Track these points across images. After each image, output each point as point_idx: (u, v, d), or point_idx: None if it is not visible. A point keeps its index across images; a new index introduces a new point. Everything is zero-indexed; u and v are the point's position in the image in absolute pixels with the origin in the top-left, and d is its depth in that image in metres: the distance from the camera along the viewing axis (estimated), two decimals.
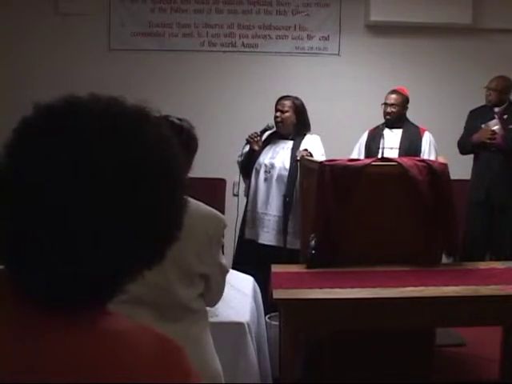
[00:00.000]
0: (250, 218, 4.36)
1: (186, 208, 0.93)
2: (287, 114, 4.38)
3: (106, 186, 0.81)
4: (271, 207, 4.28)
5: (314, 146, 4.31)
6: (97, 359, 0.82)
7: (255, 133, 4.36)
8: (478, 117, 5.09)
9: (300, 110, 4.42)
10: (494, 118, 4.99)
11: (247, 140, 4.35)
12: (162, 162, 0.87)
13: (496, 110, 5.04)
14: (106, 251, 0.82)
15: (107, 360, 0.83)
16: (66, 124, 0.83)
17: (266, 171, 4.32)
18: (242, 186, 4.54)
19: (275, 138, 4.45)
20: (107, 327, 0.86)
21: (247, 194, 4.43)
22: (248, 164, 4.37)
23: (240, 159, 4.42)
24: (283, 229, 4.17)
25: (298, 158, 4.06)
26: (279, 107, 4.40)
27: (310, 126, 4.47)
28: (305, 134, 4.39)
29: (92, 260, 0.82)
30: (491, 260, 4.82)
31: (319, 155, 4.22)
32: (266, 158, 4.35)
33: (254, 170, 4.37)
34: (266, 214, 4.29)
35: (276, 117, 4.38)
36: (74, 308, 0.84)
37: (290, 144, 4.36)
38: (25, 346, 0.81)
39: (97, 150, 0.81)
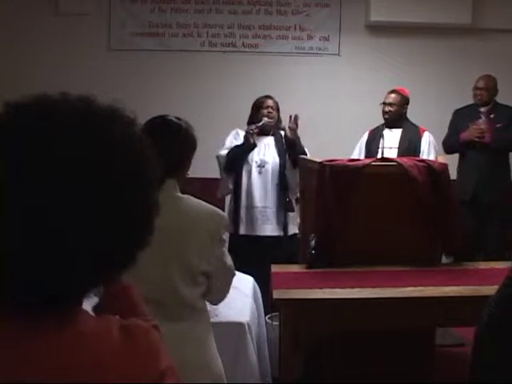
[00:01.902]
0: (246, 214, 4.40)
1: (157, 211, 0.91)
2: (275, 113, 4.51)
3: (70, 186, 0.80)
4: (270, 200, 4.38)
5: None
6: (66, 361, 0.83)
7: (254, 126, 4.39)
8: (463, 116, 5.10)
9: (279, 108, 4.57)
10: (480, 118, 5.00)
11: (248, 133, 4.37)
12: (129, 161, 0.85)
13: (482, 109, 5.05)
14: (67, 254, 0.81)
15: (76, 361, 0.83)
16: (32, 123, 0.82)
17: (259, 166, 4.40)
18: None
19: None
20: (75, 329, 0.86)
21: (236, 191, 4.43)
22: (239, 158, 4.38)
23: (222, 153, 4.41)
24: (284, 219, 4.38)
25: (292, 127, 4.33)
26: (270, 105, 4.50)
27: (281, 122, 4.61)
28: (279, 129, 4.54)
29: (55, 263, 0.81)
30: (482, 260, 4.81)
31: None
32: (253, 153, 4.42)
33: (243, 167, 4.42)
34: (266, 207, 4.38)
35: (270, 113, 4.46)
36: (41, 313, 0.84)
37: (270, 139, 4.48)
38: None
39: (60, 149, 0.80)
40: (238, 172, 4.41)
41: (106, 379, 0.84)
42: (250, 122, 4.53)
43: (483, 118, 5.00)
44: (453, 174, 5.04)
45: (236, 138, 4.50)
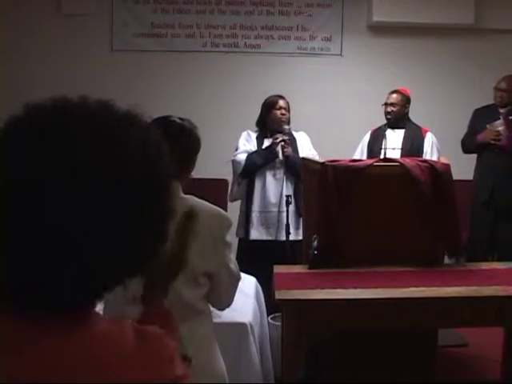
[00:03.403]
0: (258, 219, 4.32)
1: (172, 217, 0.92)
2: (288, 114, 4.41)
3: (86, 188, 0.80)
4: (284, 204, 4.22)
5: (307, 142, 4.45)
6: (79, 363, 0.83)
7: (283, 139, 4.27)
8: (483, 116, 5.01)
9: (290, 108, 4.45)
10: (499, 119, 4.95)
11: (275, 144, 4.26)
12: (144, 165, 0.86)
13: (501, 110, 4.97)
14: (81, 257, 0.81)
15: (89, 362, 0.83)
16: (51, 125, 0.83)
17: (273, 168, 4.30)
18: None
19: (263, 137, 4.43)
20: (87, 331, 0.86)
21: (249, 195, 4.36)
22: (260, 166, 4.29)
23: (239, 158, 4.32)
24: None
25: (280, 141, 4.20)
26: (283, 106, 4.39)
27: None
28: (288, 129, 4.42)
29: (68, 266, 0.81)
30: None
31: (310, 150, 4.38)
32: None
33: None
34: (282, 211, 4.20)
35: (283, 114, 4.37)
36: (54, 314, 0.84)
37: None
38: (7, 357, 0.81)
39: (78, 152, 0.81)
40: (252, 176, 4.32)
41: (119, 381, 0.84)
42: (259, 122, 4.43)
43: (501, 119, 4.95)
44: (469, 175, 5.04)
45: (248, 140, 4.40)
